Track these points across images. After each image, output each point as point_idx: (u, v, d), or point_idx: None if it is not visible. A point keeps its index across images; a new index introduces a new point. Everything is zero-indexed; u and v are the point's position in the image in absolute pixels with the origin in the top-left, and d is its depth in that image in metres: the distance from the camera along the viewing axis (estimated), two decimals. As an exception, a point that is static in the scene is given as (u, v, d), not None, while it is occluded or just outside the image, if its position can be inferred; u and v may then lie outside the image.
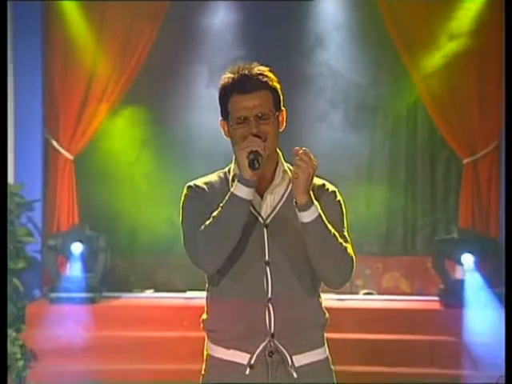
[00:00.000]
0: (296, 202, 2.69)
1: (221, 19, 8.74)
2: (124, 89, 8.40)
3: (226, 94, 2.80)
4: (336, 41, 8.93)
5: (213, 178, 2.91)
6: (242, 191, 2.68)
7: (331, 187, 2.92)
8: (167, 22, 8.35)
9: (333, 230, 2.74)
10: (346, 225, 2.89)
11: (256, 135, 2.72)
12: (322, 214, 2.71)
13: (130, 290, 8.40)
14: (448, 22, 8.03)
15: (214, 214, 2.71)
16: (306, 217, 2.69)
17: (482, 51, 8.13)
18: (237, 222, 2.70)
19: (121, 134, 9.00)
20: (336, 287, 2.85)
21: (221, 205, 2.71)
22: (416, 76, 8.41)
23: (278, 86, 2.83)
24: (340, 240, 2.76)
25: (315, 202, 2.70)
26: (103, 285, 8.08)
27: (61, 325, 7.30)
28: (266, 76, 2.80)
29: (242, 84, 2.75)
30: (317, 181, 2.83)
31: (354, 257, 2.81)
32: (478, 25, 8.01)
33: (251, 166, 2.65)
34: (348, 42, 8.93)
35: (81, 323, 7.36)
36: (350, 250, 2.80)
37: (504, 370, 6.17)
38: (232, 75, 2.79)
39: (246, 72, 2.77)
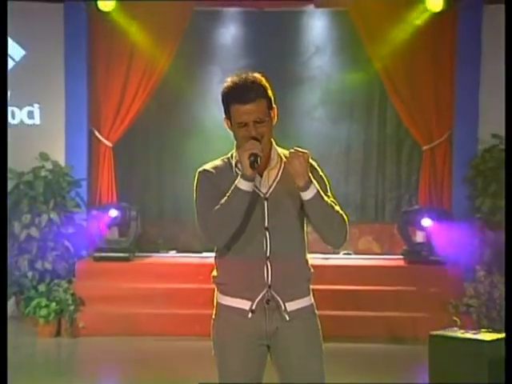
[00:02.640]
0: (297, 186, 2.70)
1: (233, 31, 8.73)
2: (153, 88, 8.38)
3: (229, 101, 2.76)
4: (328, 50, 8.93)
5: (219, 162, 2.88)
6: (244, 185, 2.68)
7: (313, 163, 2.88)
8: (189, 33, 8.29)
9: (329, 202, 2.76)
10: (331, 193, 2.89)
11: (255, 138, 2.71)
12: (320, 191, 2.72)
13: (157, 251, 8.40)
14: (409, 32, 7.95)
15: (222, 201, 2.70)
16: (307, 195, 2.70)
17: (437, 56, 8.09)
18: (240, 208, 2.71)
19: (149, 125, 9.02)
20: (337, 247, 2.92)
21: (227, 194, 2.70)
22: (386, 79, 8.38)
23: (270, 92, 2.79)
24: (336, 208, 2.78)
25: (313, 182, 2.70)
26: (136, 247, 8.08)
27: (103, 278, 7.35)
28: (261, 86, 2.75)
29: (242, 95, 2.71)
30: None
31: (346, 220, 2.81)
32: (433, 33, 7.96)
33: (252, 166, 2.66)
34: (335, 51, 8.93)
35: (118, 277, 7.42)
36: (343, 215, 2.81)
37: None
38: (233, 85, 2.75)
39: (244, 84, 2.73)
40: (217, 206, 2.72)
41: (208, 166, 2.87)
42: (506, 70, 3.81)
